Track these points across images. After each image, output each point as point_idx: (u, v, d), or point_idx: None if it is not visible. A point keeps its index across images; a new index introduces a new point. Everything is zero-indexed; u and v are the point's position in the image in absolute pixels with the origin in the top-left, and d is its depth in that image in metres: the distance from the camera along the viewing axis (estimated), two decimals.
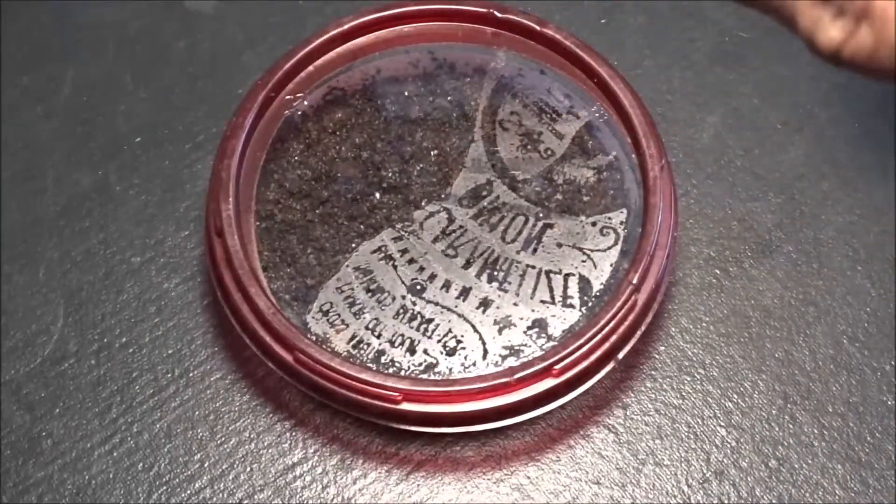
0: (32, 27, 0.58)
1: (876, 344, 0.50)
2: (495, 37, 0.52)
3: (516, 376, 0.44)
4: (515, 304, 0.48)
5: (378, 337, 0.47)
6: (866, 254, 0.52)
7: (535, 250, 0.49)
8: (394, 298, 0.48)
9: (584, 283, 0.48)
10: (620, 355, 0.46)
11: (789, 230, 0.52)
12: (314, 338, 0.47)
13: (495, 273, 0.48)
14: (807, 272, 0.52)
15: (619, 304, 0.45)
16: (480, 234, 0.49)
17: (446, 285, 0.48)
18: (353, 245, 0.49)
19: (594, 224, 0.49)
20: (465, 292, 0.48)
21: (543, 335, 0.47)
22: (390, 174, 0.51)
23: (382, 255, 0.49)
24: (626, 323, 0.45)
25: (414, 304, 0.48)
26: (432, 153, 0.51)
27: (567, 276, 0.48)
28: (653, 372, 0.49)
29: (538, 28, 0.51)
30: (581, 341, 0.44)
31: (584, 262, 0.49)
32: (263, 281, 0.48)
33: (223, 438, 0.48)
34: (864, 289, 0.51)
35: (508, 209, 0.50)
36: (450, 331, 0.47)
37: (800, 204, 0.53)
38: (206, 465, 0.48)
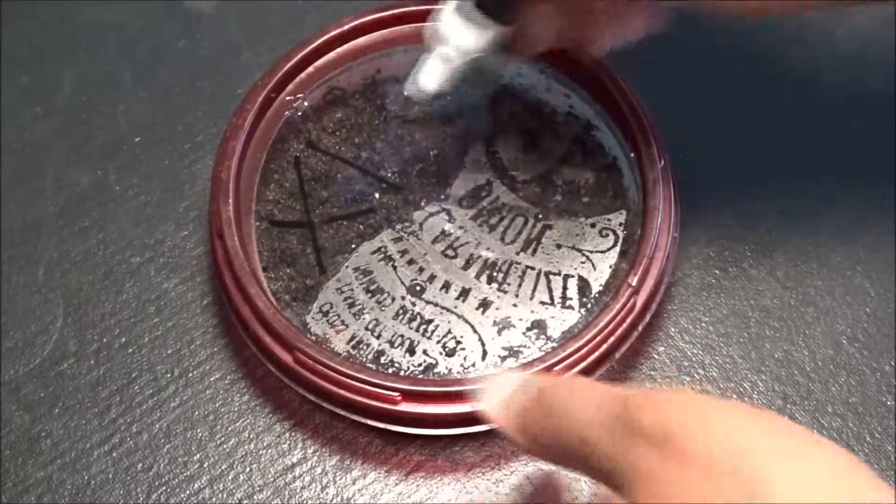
0: (32, 27, 0.58)
1: (875, 344, 0.50)
2: None
3: None
4: (515, 306, 0.48)
5: (378, 337, 0.47)
6: (866, 254, 0.52)
7: (534, 251, 0.49)
8: (393, 299, 0.48)
9: (584, 284, 0.48)
10: (617, 355, 0.46)
11: (789, 230, 0.52)
12: (314, 338, 0.47)
13: (495, 274, 0.48)
14: (806, 272, 0.51)
15: (618, 306, 0.45)
16: (480, 235, 0.49)
17: (446, 286, 0.48)
18: (353, 245, 0.49)
19: (593, 225, 0.49)
20: (464, 293, 0.48)
21: (542, 336, 0.47)
22: (390, 174, 0.51)
23: (382, 255, 0.49)
24: (625, 325, 0.45)
25: (413, 304, 0.48)
26: (432, 153, 0.51)
27: (566, 277, 0.48)
28: (652, 372, 0.49)
29: None
30: (580, 343, 0.44)
31: (583, 263, 0.49)
32: (263, 281, 0.48)
33: (222, 438, 0.48)
34: (863, 289, 0.51)
35: (508, 210, 0.50)
36: (449, 331, 0.47)
37: (800, 204, 0.53)
38: (205, 465, 0.48)
